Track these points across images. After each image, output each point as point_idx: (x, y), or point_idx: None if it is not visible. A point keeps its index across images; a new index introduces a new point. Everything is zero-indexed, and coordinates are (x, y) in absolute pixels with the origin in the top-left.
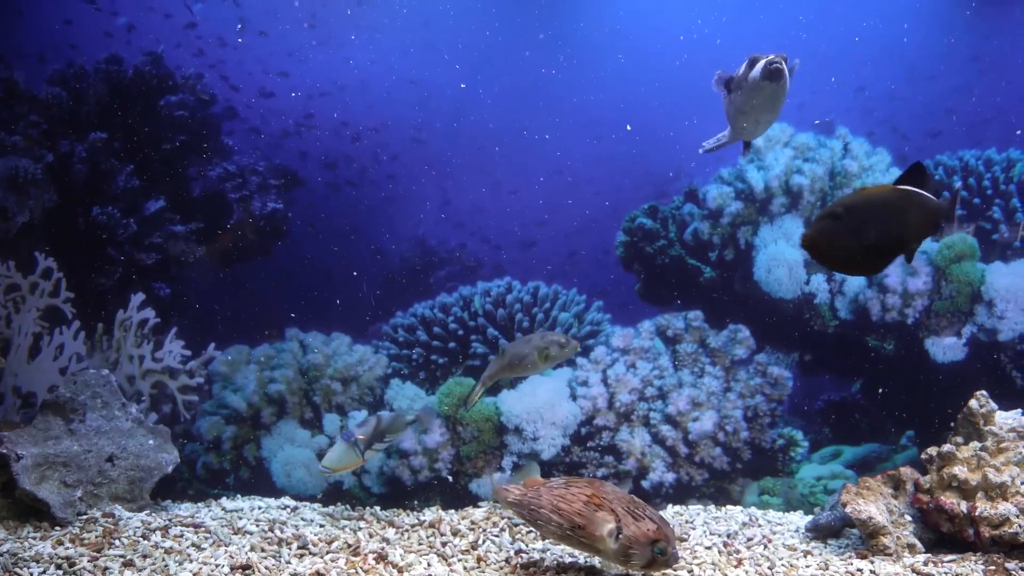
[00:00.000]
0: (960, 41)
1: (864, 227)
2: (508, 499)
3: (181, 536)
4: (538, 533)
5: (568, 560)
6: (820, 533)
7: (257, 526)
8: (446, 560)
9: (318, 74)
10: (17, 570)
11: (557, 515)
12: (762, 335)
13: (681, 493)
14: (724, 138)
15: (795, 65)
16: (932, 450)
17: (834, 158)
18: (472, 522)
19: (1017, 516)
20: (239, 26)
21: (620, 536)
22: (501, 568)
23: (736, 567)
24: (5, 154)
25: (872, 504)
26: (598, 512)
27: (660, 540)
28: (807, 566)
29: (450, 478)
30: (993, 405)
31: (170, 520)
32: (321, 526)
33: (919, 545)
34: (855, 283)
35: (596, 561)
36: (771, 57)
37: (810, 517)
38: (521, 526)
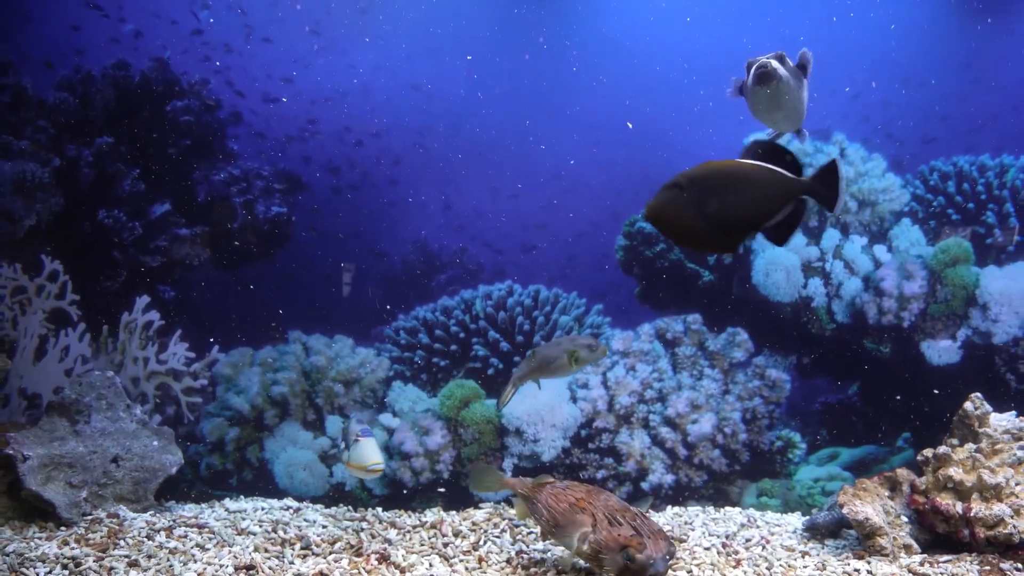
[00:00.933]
0: (952, 49)
1: (707, 199)
2: (518, 489)
3: (185, 537)
4: (537, 531)
5: (569, 561)
6: (817, 532)
7: (260, 527)
8: (448, 561)
9: (322, 80)
10: (23, 570)
11: (547, 512)
12: (760, 338)
13: (680, 494)
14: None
15: (807, 58)
16: (928, 452)
17: None
18: (473, 523)
19: (1012, 517)
20: (204, 20)
21: (592, 541)
22: (502, 568)
23: (735, 567)
24: (13, 158)
25: (869, 505)
26: (578, 515)
27: (629, 547)
28: (805, 566)
29: (443, 490)
30: (988, 407)
31: (174, 521)
32: (324, 527)
33: (915, 546)
34: (852, 286)
35: None
36: (760, 61)
37: (807, 518)
38: (522, 527)
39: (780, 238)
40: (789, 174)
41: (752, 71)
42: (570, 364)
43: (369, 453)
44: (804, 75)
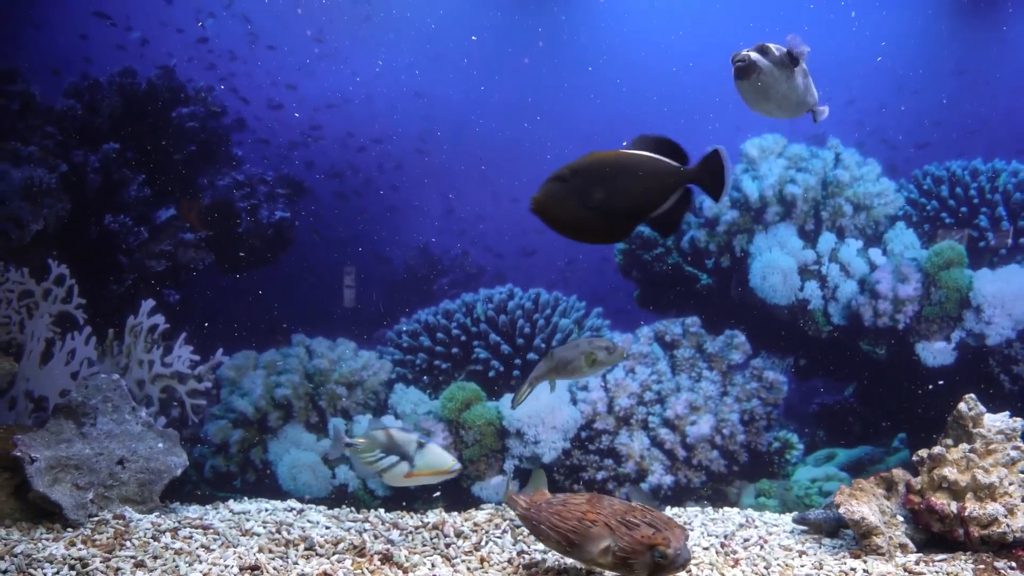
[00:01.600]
0: (945, 56)
1: (591, 189)
2: (516, 511)
3: (190, 537)
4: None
5: (569, 561)
6: (808, 525)
7: (264, 528)
8: (450, 561)
9: (325, 87)
10: (31, 571)
11: (554, 532)
12: (758, 340)
13: (679, 495)
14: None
15: (800, 49)
16: (923, 452)
17: (826, 168)
18: (475, 524)
19: (1005, 516)
20: (209, 29)
21: (616, 550)
22: (504, 569)
23: (733, 567)
24: (21, 164)
25: (865, 505)
26: (592, 528)
27: (658, 544)
28: (802, 566)
29: (438, 493)
30: (981, 408)
31: (179, 522)
32: (327, 528)
33: (911, 545)
34: (848, 289)
35: None
36: (740, 55)
37: (797, 513)
38: (523, 527)
39: (667, 228)
40: (675, 163)
41: (733, 66)
42: (587, 366)
43: (444, 457)
44: (794, 61)
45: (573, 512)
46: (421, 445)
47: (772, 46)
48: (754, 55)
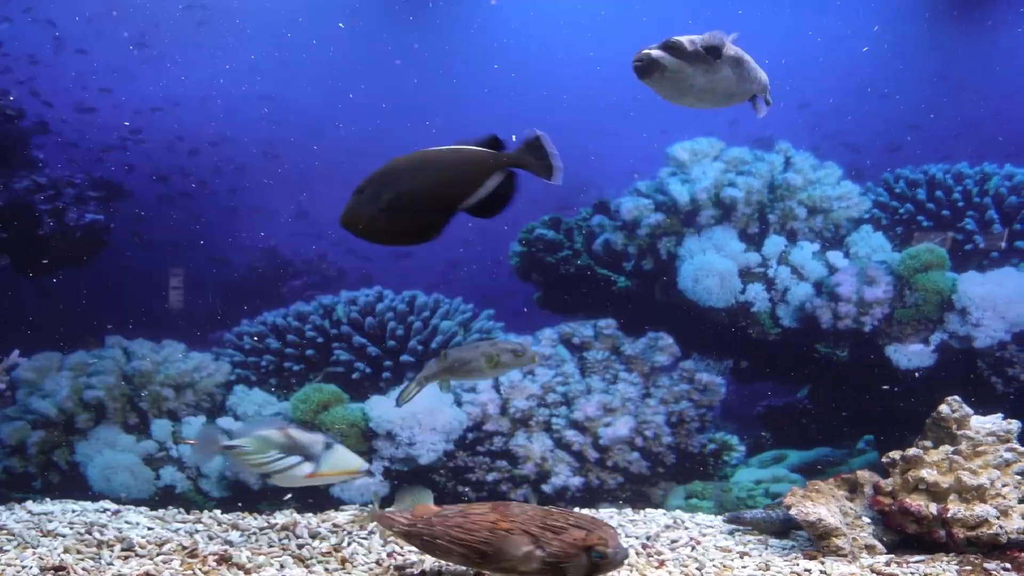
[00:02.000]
0: (925, 60)
1: (381, 193)
2: (394, 529)
3: None
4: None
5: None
6: (743, 525)
7: (71, 528)
8: (303, 562)
9: (148, 90)
10: None
11: (459, 546)
12: (690, 342)
13: (592, 496)
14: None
15: (717, 39)
16: (895, 454)
17: (774, 171)
18: (335, 525)
19: (998, 517)
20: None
21: (545, 556)
22: (371, 570)
23: (658, 568)
24: None
25: (823, 507)
26: (510, 536)
27: (595, 545)
28: (744, 567)
29: (289, 496)
30: (967, 410)
31: None
32: (149, 528)
33: (879, 546)
34: (800, 292)
35: None
36: (639, 54)
37: (730, 512)
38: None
39: (489, 212)
40: (485, 150)
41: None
42: (489, 368)
43: (352, 458)
44: (714, 54)
45: (480, 523)
46: (328, 446)
47: (685, 40)
48: (656, 53)
